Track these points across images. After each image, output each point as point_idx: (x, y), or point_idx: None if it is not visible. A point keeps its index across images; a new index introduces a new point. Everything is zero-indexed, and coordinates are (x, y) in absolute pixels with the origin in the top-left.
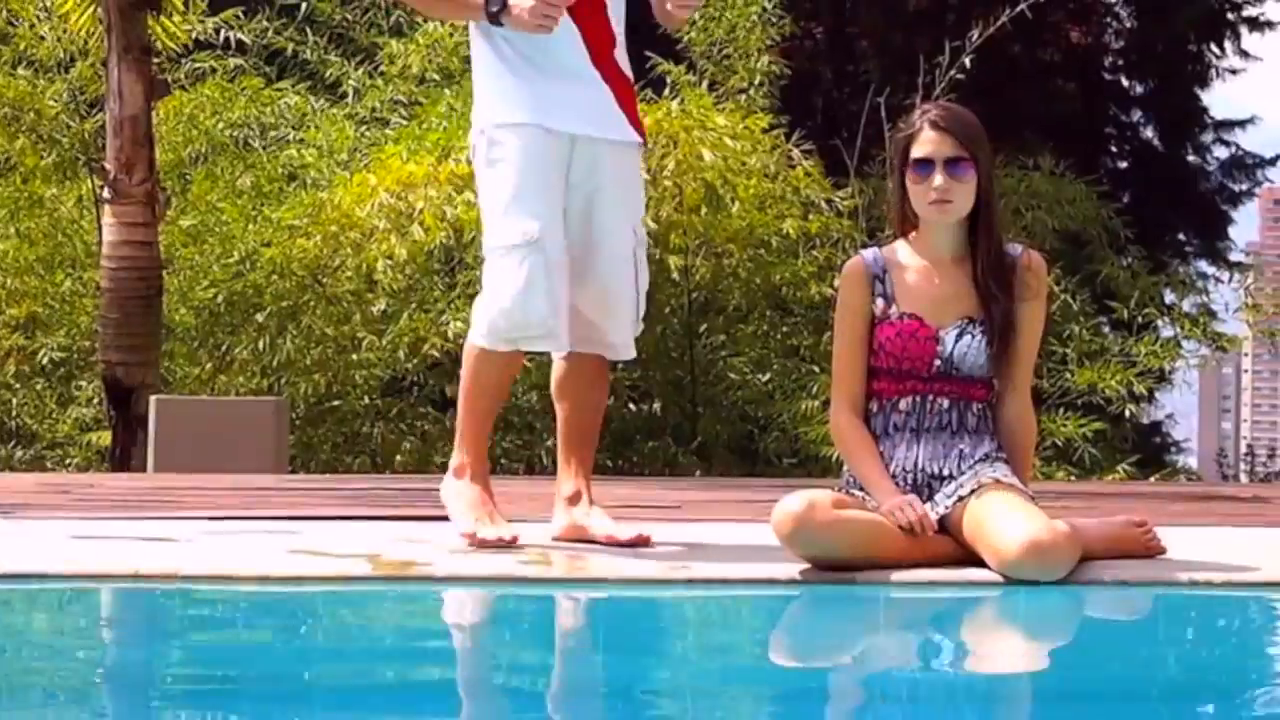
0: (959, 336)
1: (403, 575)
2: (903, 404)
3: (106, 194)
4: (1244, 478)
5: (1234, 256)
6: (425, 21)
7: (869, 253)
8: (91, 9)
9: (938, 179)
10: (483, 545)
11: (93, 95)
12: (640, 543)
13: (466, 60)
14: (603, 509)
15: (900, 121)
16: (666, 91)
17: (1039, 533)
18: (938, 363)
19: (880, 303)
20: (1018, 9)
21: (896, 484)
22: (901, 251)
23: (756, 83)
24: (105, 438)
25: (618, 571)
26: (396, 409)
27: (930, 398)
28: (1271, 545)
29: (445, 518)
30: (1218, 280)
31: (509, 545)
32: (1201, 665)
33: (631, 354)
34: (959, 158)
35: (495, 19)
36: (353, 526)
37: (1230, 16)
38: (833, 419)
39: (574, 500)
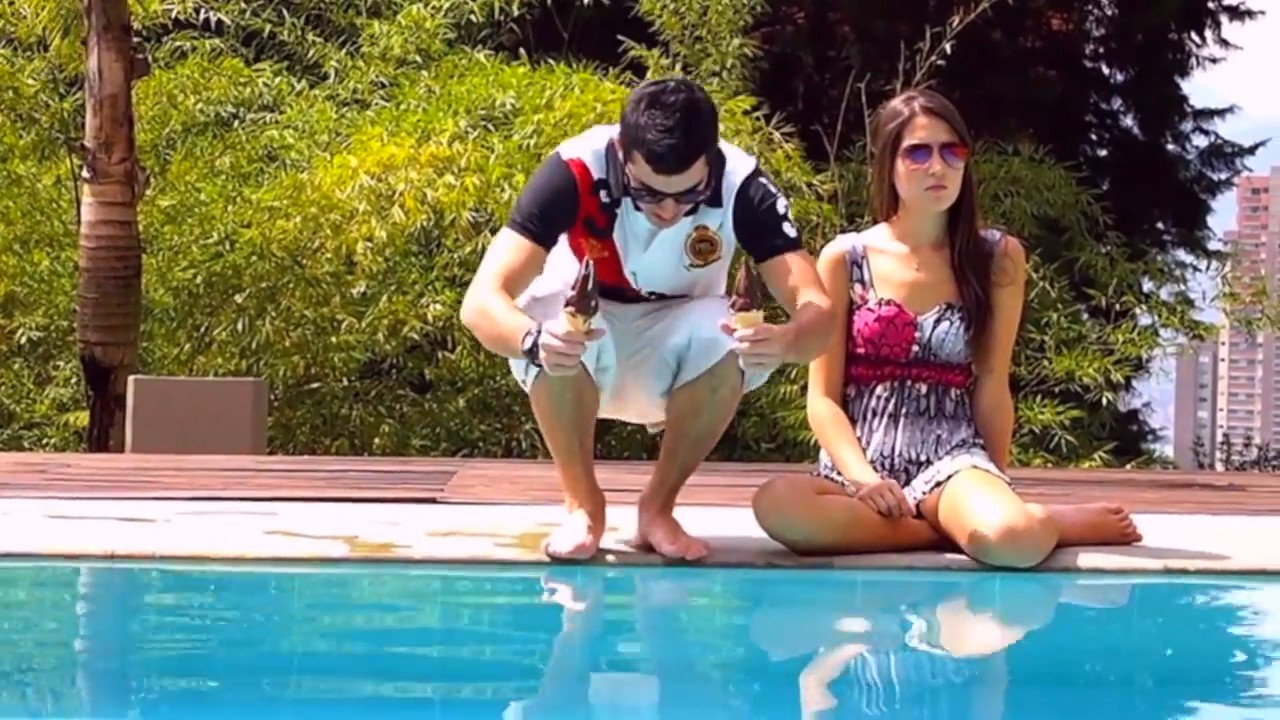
0: (937, 322)
1: (380, 557)
2: (880, 389)
3: (85, 173)
4: (1220, 466)
5: (1212, 245)
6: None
7: (847, 239)
8: None
9: (936, 164)
10: (558, 557)
11: (72, 74)
12: (684, 559)
13: (448, 43)
14: (670, 521)
15: (880, 108)
16: (649, 75)
17: (1015, 519)
18: (916, 349)
19: (858, 289)
20: None
21: (874, 469)
22: (880, 238)
23: (729, 65)
24: (83, 418)
25: (594, 556)
26: (375, 391)
27: (908, 383)
28: (1246, 533)
29: (422, 500)
30: (1195, 269)
31: (582, 550)
32: (1175, 651)
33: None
34: (953, 143)
35: (534, 363)
36: (331, 508)
37: (1211, 5)
38: (810, 404)
39: (645, 506)
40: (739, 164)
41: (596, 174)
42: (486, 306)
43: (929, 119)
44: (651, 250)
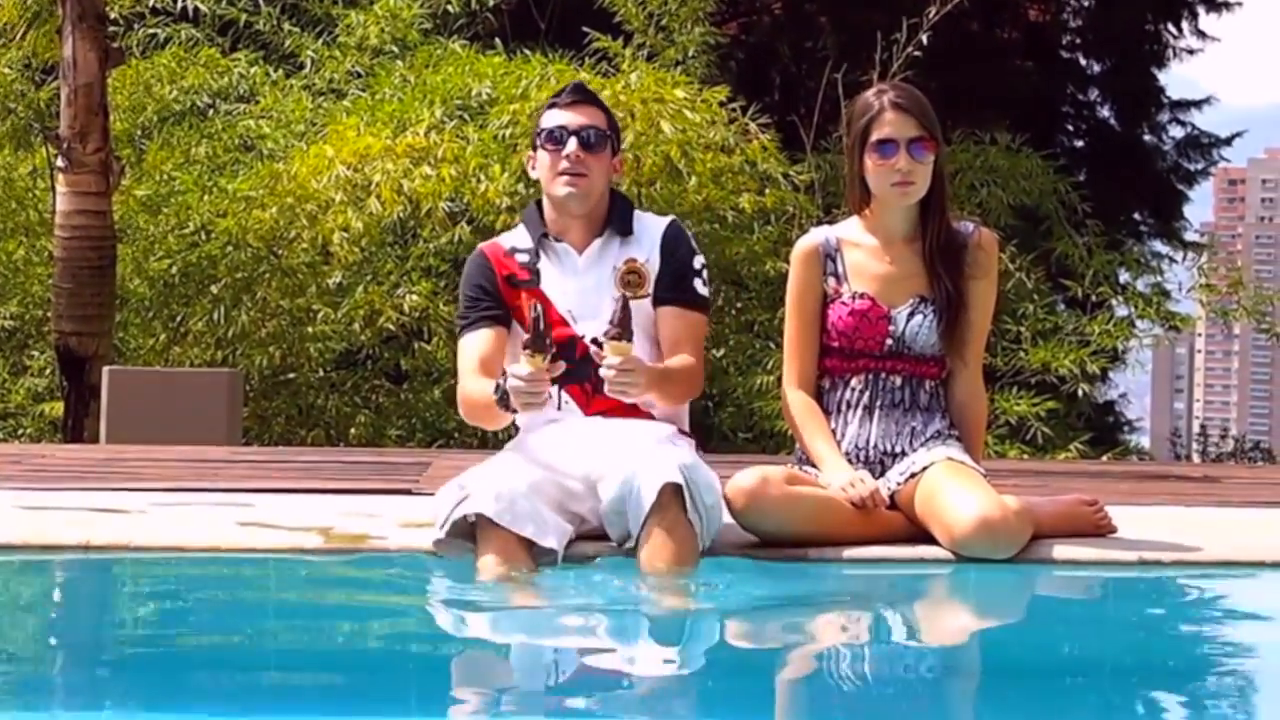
0: (910, 315)
1: (355, 549)
2: (855, 381)
3: (60, 162)
4: (1196, 457)
5: (1189, 236)
6: None
7: (821, 232)
8: None
9: (902, 160)
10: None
11: (47, 62)
12: None
13: (424, 33)
14: None
15: (855, 98)
16: (625, 65)
17: (989, 510)
18: (890, 341)
19: (832, 282)
20: None
21: (849, 461)
22: (854, 231)
23: (691, 54)
24: (58, 408)
25: (571, 548)
26: (351, 382)
27: (883, 375)
28: (1220, 525)
29: (398, 491)
30: (1172, 260)
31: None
32: (1148, 643)
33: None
34: (920, 138)
35: (509, 409)
36: (306, 499)
37: None
38: (784, 396)
39: None
40: (652, 215)
41: (507, 244)
42: (465, 391)
43: (896, 114)
44: (583, 279)
